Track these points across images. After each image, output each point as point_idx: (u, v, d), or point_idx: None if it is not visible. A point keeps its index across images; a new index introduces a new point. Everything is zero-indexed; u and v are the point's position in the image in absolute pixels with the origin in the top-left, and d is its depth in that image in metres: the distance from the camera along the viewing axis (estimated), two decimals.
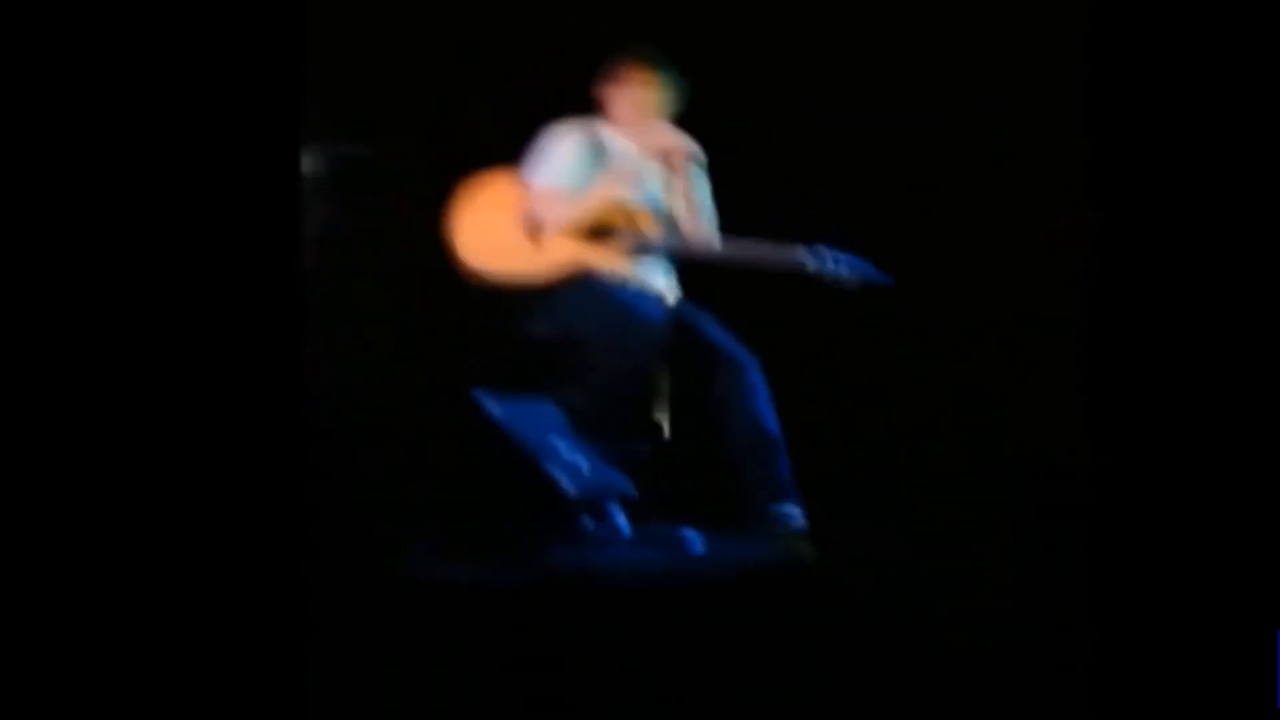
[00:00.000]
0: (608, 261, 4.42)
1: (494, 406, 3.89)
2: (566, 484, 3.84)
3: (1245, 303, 2.86)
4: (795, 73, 4.94)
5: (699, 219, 4.48)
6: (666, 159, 4.36)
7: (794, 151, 4.91)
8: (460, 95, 4.85)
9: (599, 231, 4.45)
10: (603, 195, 4.42)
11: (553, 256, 4.41)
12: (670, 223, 4.42)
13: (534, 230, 4.44)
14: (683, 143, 4.37)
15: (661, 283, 4.23)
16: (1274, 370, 2.86)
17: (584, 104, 4.54)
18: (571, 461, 3.96)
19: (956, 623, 3.25)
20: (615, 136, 4.52)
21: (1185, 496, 2.88)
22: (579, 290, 4.38)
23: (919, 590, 3.47)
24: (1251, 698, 2.82)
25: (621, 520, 4.26)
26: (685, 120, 4.47)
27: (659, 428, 4.09)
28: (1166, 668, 2.85)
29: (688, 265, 4.47)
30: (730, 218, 4.54)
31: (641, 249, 4.43)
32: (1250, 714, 2.81)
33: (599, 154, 4.50)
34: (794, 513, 4.24)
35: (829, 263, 4.38)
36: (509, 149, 4.51)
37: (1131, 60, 2.89)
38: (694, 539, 4.10)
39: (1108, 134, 2.90)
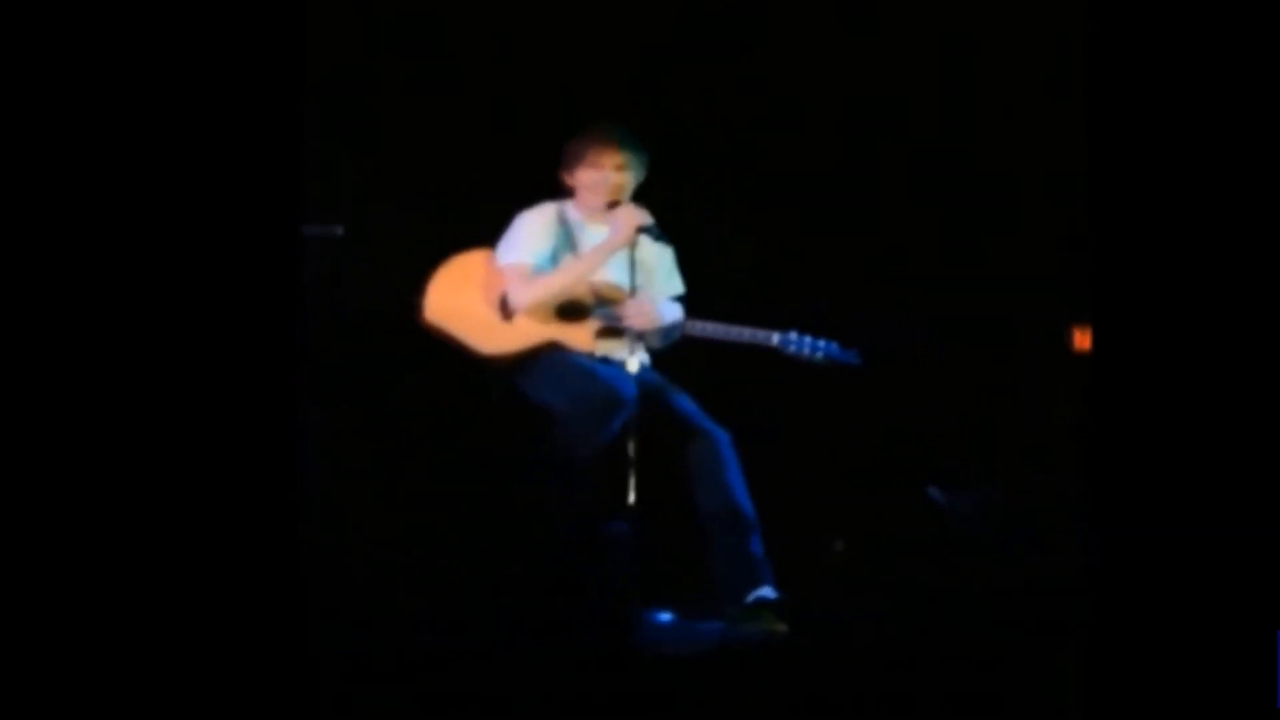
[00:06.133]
0: (576, 339, 4.41)
1: None
2: None
3: (1244, 305, 2.86)
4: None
5: (661, 294, 4.49)
6: (630, 236, 4.33)
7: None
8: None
9: (569, 310, 4.44)
10: (570, 274, 4.41)
11: (524, 334, 4.40)
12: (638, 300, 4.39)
13: (505, 309, 4.43)
14: (640, 218, 4.36)
15: (630, 358, 4.21)
16: (1273, 369, 2.85)
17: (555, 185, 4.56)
18: None
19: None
20: (583, 216, 4.53)
21: (1185, 496, 2.86)
22: (547, 366, 4.37)
23: (898, 662, 3.43)
24: (1251, 698, 2.79)
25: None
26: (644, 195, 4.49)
27: (629, 504, 4.04)
28: (1166, 667, 2.82)
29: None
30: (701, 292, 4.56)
31: (611, 327, 4.41)
32: (1250, 714, 2.79)
33: (568, 234, 4.50)
34: (767, 593, 4.19)
35: (800, 346, 4.38)
36: (485, 228, 4.52)
37: (1131, 60, 2.89)
38: (664, 619, 4.04)
39: (1107, 144, 2.91)
